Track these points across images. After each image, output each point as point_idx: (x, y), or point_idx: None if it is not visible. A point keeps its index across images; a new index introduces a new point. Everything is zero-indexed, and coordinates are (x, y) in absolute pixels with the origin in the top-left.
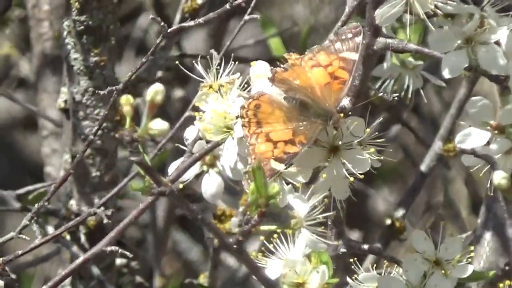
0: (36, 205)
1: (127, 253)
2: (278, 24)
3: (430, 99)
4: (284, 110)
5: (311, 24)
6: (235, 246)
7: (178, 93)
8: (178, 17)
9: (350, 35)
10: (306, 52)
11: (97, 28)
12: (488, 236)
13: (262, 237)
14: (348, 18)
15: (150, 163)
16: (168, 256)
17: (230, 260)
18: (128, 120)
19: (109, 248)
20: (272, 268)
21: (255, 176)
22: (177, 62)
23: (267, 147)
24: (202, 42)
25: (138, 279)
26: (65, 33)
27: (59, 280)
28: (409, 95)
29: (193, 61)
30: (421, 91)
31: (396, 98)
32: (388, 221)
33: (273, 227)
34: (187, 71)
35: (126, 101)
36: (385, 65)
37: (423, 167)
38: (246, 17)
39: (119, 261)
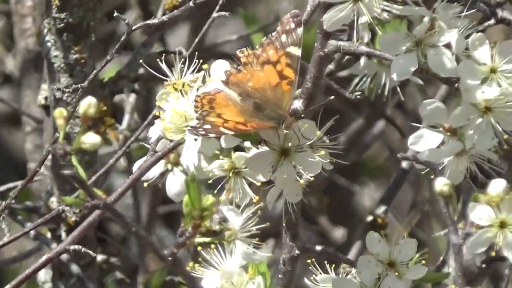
0: (3, 203)
1: (91, 252)
2: (263, 19)
3: (413, 96)
4: (239, 107)
5: None
6: (169, 258)
7: (160, 89)
8: (159, 13)
9: (293, 25)
10: (257, 46)
11: (78, 25)
12: None
13: (199, 248)
14: (310, 16)
15: (84, 176)
16: (152, 253)
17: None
18: (61, 133)
19: (72, 247)
20: (208, 279)
21: (189, 189)
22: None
23: (218, 120)
24: (185, 38)
25: (119, 275)
26: (45, 30)
27: (23, 279)
28: (386, 93)
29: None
30: (398, 89)
31: (358, 96)
32: (370, 218)
33: (207, 239)
34: (151, 70)
35: (59, 114)
36: (361, 62)
37: (404, 164)
38: (215, 14)
39: (100, 258)
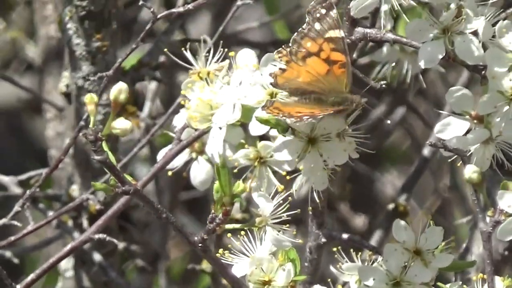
0: (27, 192)
1: (115, 241)
2: (285, 6)
3: (434, 83)
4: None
5: None
6: (200, 245)
7: (183, 77)
8: (180, 1)
9: (323, 11)
10: (290, 44)
11: (99, 13)
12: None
13: (229, 235)
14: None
15: (114, 161)
16: (174, 240)
17: (234, 245)
18: (92, 119)
19: (96, 236)
20: (238, 266)
21: (219, 175)
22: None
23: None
24: (206, 26)
25: (141, 263)
26: (66, 18)
27: (47, 268)
28: (408, 80)
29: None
30: (420, 76)
31: (383, 85)
32: (391, 206)
33: (238, 226)
34: (175, 58)
35: (90, 100)
36: (384, 49)
37: (426, 151)
38: (239, 2)
39: (122, 245)
